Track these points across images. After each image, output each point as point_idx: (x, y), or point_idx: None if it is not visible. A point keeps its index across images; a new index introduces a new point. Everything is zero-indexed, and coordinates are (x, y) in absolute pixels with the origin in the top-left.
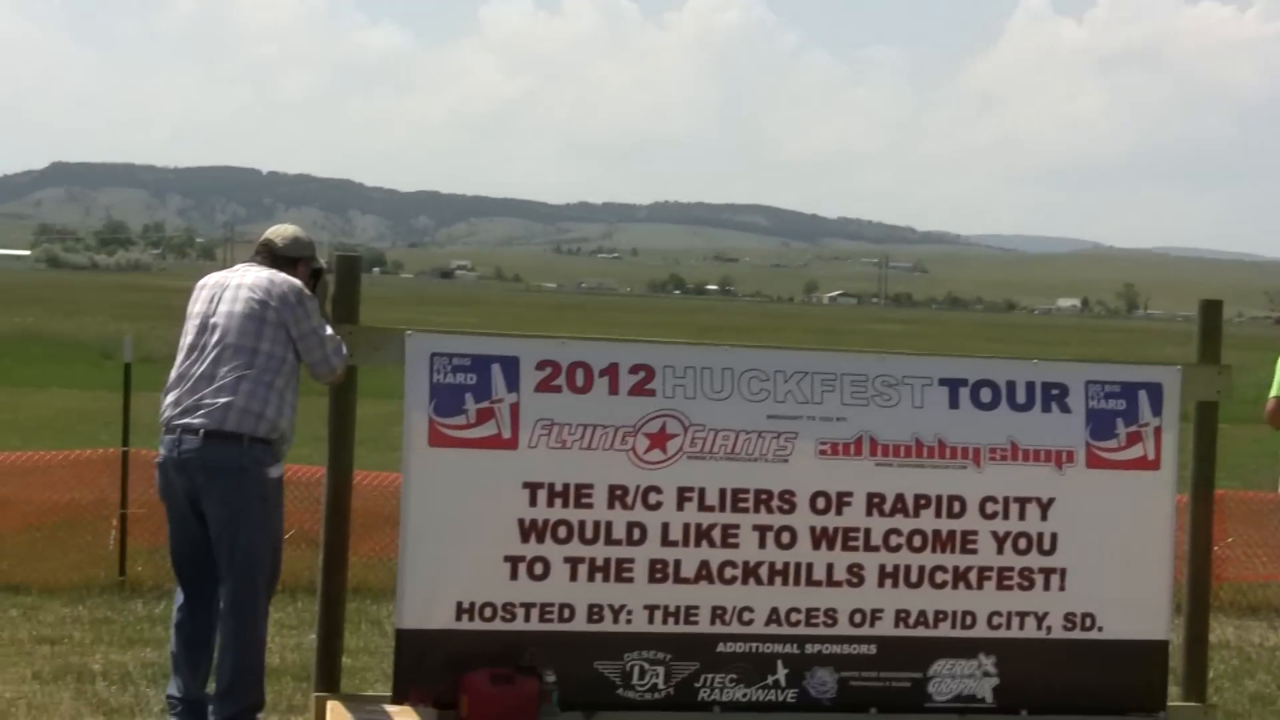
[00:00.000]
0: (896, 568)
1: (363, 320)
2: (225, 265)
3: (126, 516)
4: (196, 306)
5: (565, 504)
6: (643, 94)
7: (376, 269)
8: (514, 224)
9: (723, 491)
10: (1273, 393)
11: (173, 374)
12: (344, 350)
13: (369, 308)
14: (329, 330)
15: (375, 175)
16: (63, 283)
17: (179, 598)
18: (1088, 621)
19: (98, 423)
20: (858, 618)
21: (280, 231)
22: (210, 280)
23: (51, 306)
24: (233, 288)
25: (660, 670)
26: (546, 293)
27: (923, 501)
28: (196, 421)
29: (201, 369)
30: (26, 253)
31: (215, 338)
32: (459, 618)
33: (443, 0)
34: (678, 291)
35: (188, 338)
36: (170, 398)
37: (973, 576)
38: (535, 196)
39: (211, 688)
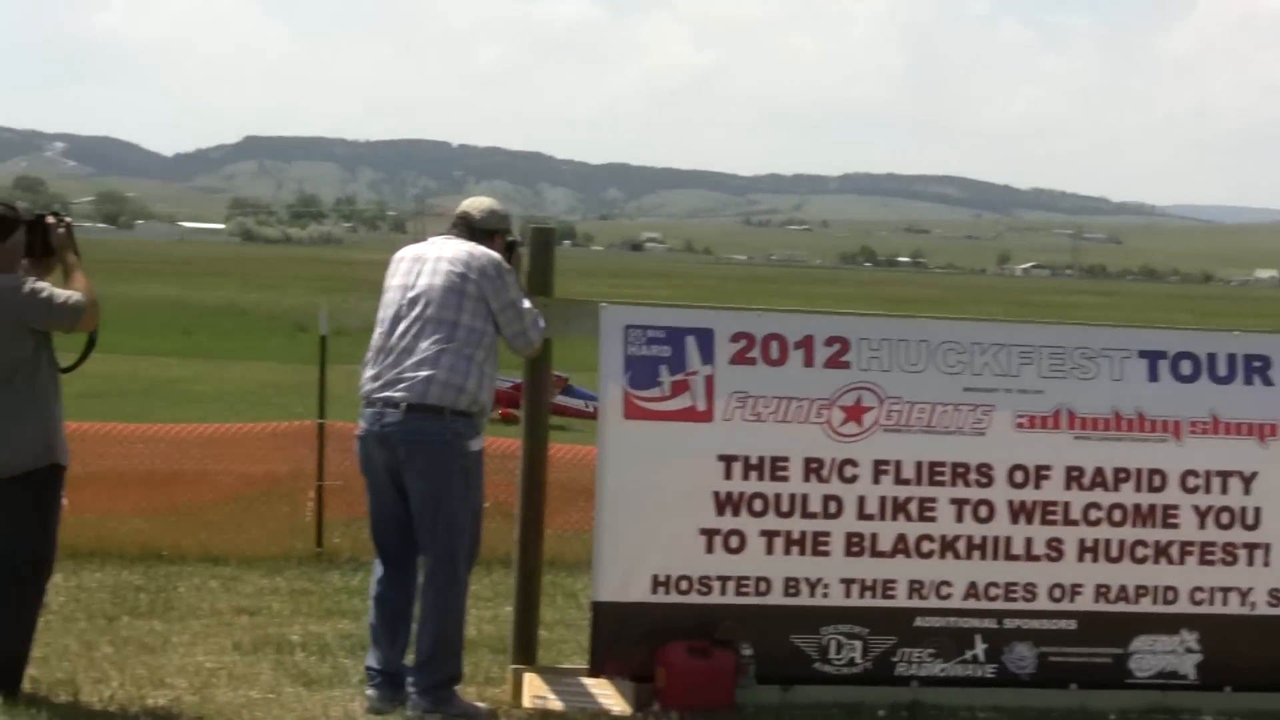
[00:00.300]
0: (1096, 542)
1: (555, 293)
2: (416, 238)
3: (323, 488)
4: (395, 279)
5: (760, 477)
6: (833, 63)
7: (567, 242)
8: (704, 196)
9: (919, 465)
10: None
11: (371, 347)
12: (541, 323)
13: (560, 281)
14: (526, 303)
15: (565, 148)
16: (257, 256)
17: (378, 570)
18: None
19: (293, 395)
20: (1057, 593)
21: (477, 204)
22: (408, 253)
23: (247, 280)
24: (431, 260)
25: (857, 644)
26: (737, 265)
27: (1122, 475)
28: (398, 395)
29: (402, 343)
30: (221, 226)
31: (415, 311)
32: (655, 590)
33: None
34: (868, 264)
35: (386, 310)
36: (370, 371)
37: (1174, 551)
38: (725, 168)
39: (410, 659)
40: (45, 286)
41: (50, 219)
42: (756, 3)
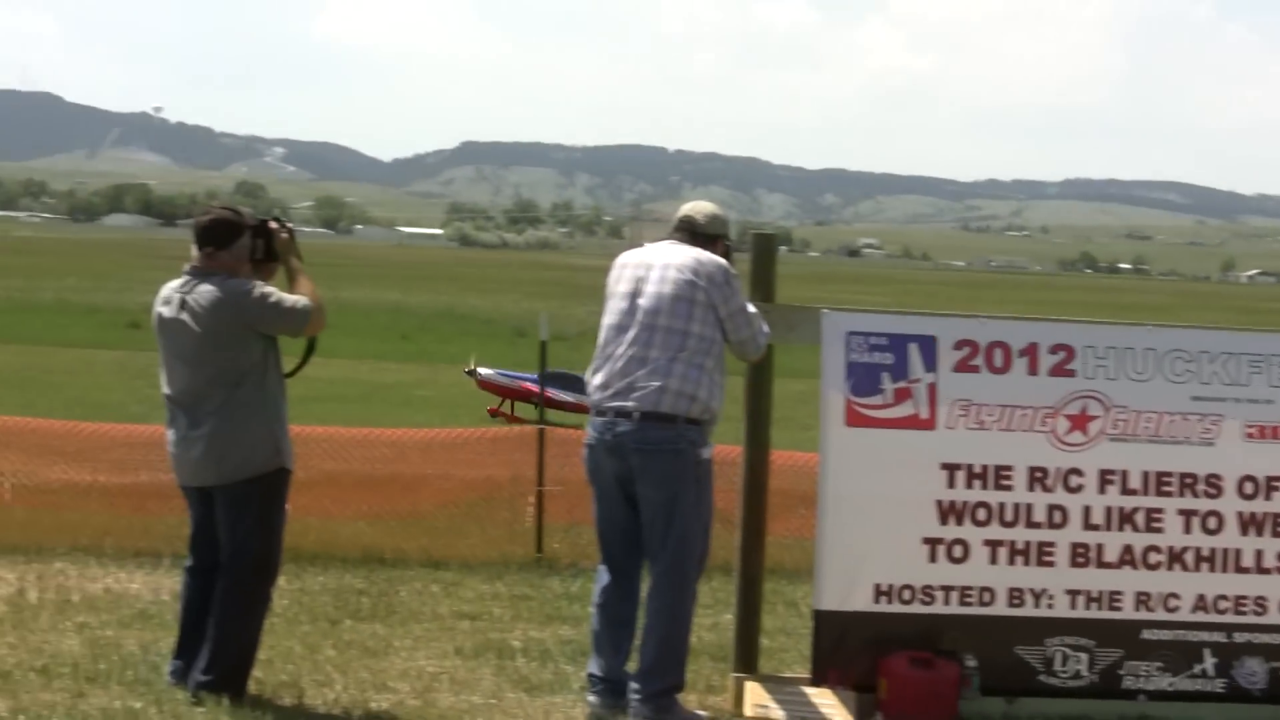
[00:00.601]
0: None
1: (776, 299)
2: (633, 244)
3: (543, 493)
4: (620, 286)
5: (984, 485)
6: (1053, 67)
7: (783, 247)
8: (922, 201)
9: (1146, 474)
10: None
11: (598, 355)
12: (766, 328)
13: (777, 286)
14: (752, 308)
15: (782, 153)
16: (475, 261)
17: (603, 578)
18: None
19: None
20: None
21: (699, 208)
22: (632, 259)
23: (465, 285)
24: (659, 268)
25: (1083, 657)
26: (955, 270)
27: None
28: (631, 404)
29: (632, 351)
30: (439, 231)
31: (645, 319)
32: (877, 599)
33: None
34: (1089, 270)
35: (612, 318)
36: (598, 380)
37: None
38: (943, 173)
39: (632, 666)
40: (273, 291)
41: (273, 224)
42: (975, 5)
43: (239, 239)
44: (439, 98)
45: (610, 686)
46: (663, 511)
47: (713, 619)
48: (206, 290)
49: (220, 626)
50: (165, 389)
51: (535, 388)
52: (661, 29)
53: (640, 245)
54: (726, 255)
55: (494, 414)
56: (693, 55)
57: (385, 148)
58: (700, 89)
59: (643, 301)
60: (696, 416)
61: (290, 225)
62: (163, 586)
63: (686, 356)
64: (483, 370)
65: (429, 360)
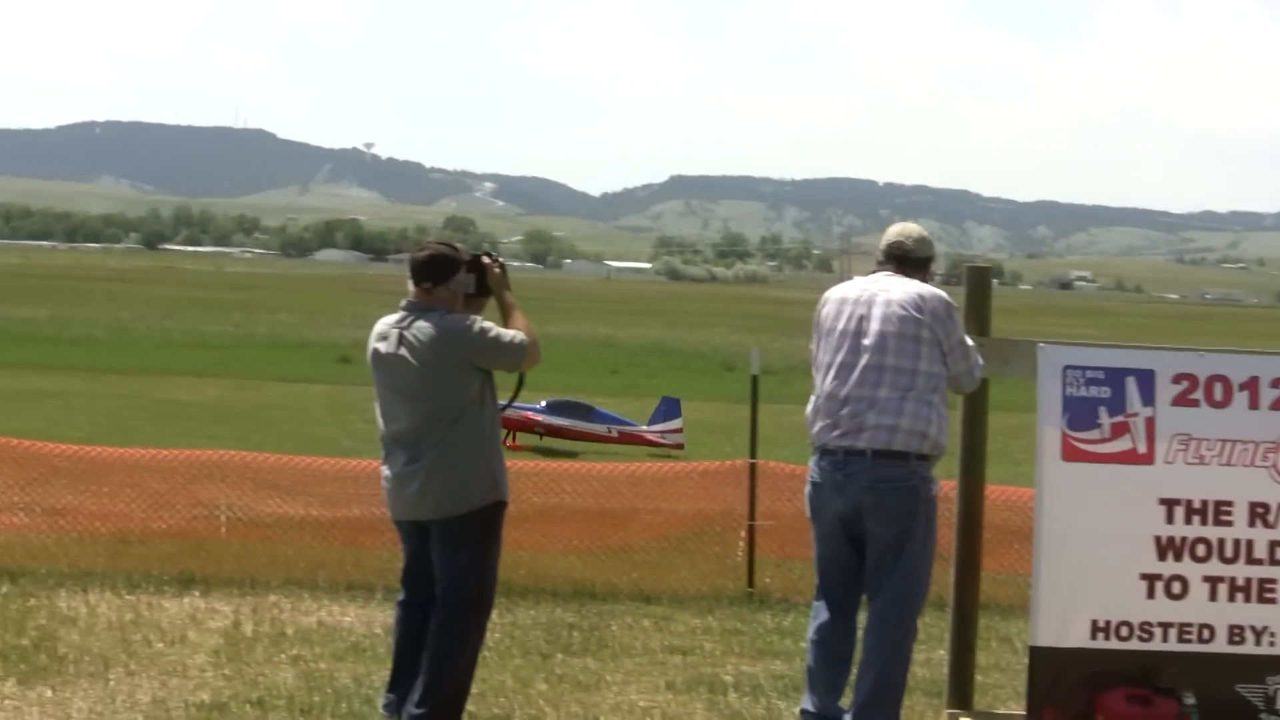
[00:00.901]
0: None
1: (990, 332)
2: (842, 277)
3: (754, 528)
4: (839, 323)
5: (1204, 521)
6: (1269, 95)
7: (994, 280)
8: (1135, 233)
9: None
10: None
11: (821, 394)
12: (980, 361)
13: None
14: (969, 341)
15: (992, 184)
16: (683, 294)
17: (821, 614)
18: None
19: (720, 434)
20: None
21: (907, 232)
22: (848, 294)
23: (673, 318)
24: (880, 304)
25: None
26: (1169, 304)
27: None
28: (862, 444)
29: (860, 391)
30: (647, 265)
31: (872, 359)
32: (1094, 636)
33: (1058, 3)
34: None
35: (834, 355)
36: (824, 421)
37: None
38: (1157, 205)
39: (844, 702)
40: (492, 326)
41: (485, 259)
42: (1188, 32)
43: (456, 274)
44: (647, 131)
45: None
46: (892, 549)
47: (926, 654)
48: (426, 325)
49: (435, 660)
50: (382, 424)
51: (537, 417)
52: (871, 60)
53: (850, 278)
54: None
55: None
56: (902, 87)
57: (594, 182)
58: (910, 120)
59: (868, 340)
60: (927, 453)
61: (501, 260)
62: (375, 620)
63: (916, 394)
64: None
65: (638, 394)
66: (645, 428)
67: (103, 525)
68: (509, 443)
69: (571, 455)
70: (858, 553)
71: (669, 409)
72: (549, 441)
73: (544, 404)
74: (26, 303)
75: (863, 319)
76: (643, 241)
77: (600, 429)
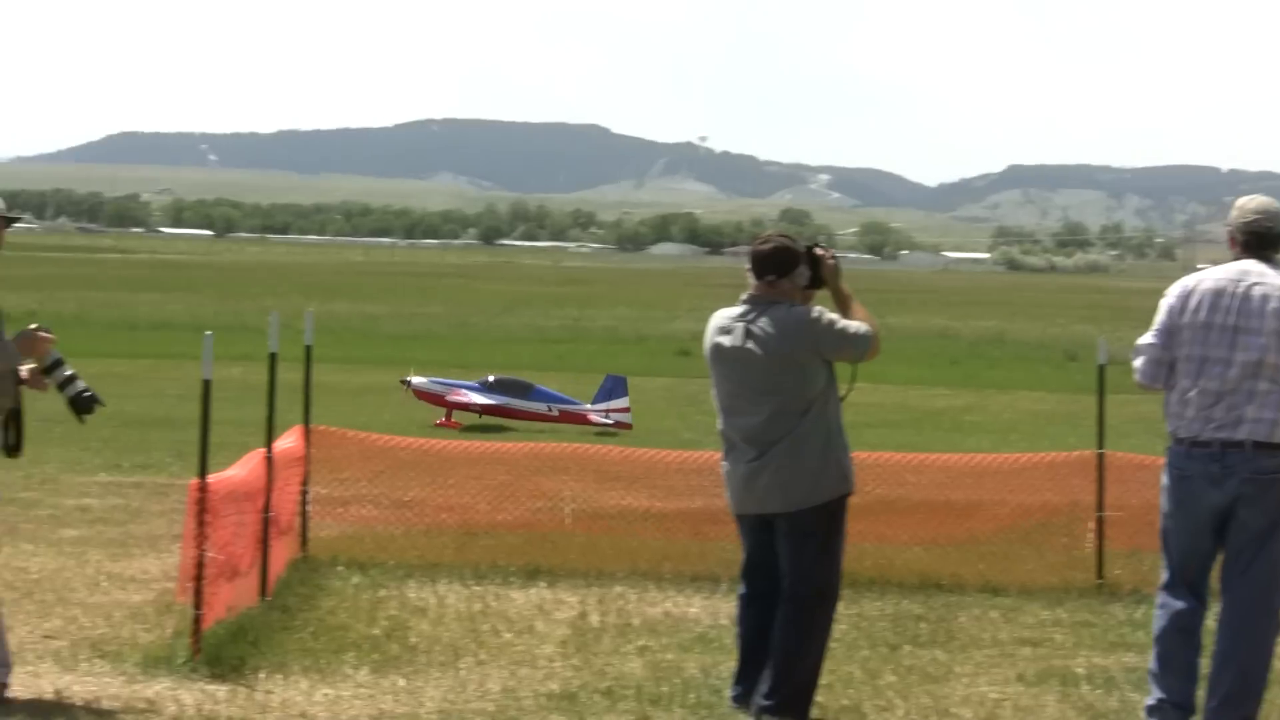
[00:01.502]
0: None
1: None
2: (1185, 267)
3: (1103, 519)
4: (1201, 315)
5: None
6: None
7: None
8: None
9: None
10: None
11: (1191, 387)
12: None
13: None
14: None
15: None
16: (1022, 285)
17: (1176, 603)
18: None
19: (1065, 424)
20: None
21: (1265, 207)
22: (1207, 285)
23: (1014, 309)
24: (1257, 298)
25: None
26: None
27: None
28: (1241, 435)
29: (1239, 384)
30: (985, 255)
31: (1248, 356)
32: None
33: None
34: None
35: (1203, 349)
36: (1192, 411)
37: None
38: None
39: (1200, 695)
40: (837, 317)
41: (819, 250)
42: None
43: (797, 267)
44: (984, 121)
45: (1182, 714)
46: (1257, 538)
47: None
48: (774, 318)
49: (783, 652)
50: (725, 418)
51: (475, 396)
52: (1215, 43)
53: (1195, 268)
54: None
55: (442, 426)
56: (1248, 70)
57: (930, 173)
58: (1256, 105)
59: (1246, 336)
60: None
61: (835, 252)
62: (720, 611)
63: None
64: (416, 379)
65: (978, 386)
66: (589, 406)
67: (449, 517)
68: (444, 421)
69: (509, 432)
70: (1221, 545)
71: (615, 387)
72: (487, 420)
73: (481, 382)
74: (369, 299)
75: (1237, 312)
76: (980, 232)
77: (540, 407)
